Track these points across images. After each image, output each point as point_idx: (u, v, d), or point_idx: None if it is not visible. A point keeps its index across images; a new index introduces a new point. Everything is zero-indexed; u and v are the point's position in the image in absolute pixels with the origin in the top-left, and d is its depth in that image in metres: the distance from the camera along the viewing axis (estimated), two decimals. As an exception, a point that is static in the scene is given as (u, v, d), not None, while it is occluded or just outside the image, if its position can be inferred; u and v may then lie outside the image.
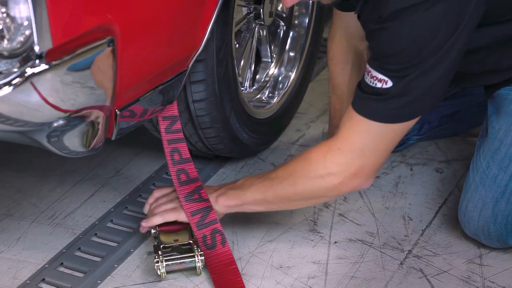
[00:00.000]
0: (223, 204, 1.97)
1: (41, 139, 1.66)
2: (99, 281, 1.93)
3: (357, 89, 1.83)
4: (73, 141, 1.69)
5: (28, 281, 1.93)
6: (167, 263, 1.90)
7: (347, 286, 1.92)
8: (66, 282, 1.93)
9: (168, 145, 2.01)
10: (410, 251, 2.03)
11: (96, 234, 2.10)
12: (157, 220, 1.97)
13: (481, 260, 1.99)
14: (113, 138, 1.82)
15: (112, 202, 2.22)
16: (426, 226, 2.12)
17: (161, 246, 1.93)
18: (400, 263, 1.99)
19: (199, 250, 1.92)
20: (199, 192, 1.99)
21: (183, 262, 1.92)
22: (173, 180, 2.00)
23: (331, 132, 2.30)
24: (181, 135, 2.03)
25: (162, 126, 2.01)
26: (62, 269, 1.98)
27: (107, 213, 2.17)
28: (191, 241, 1.95)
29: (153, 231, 1.99)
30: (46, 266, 1.97)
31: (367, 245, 2.05)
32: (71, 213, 2.18)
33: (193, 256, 1.91)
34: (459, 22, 1.73)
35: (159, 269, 1.90)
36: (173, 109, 2.01)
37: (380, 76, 1.75)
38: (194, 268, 1.92)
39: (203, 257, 1.91)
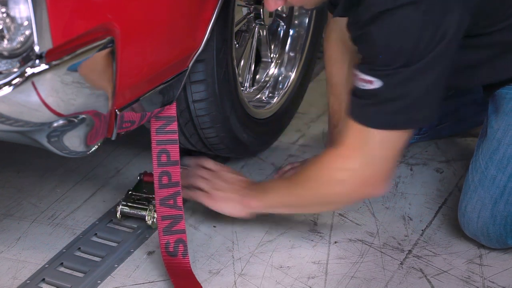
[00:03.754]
0: (247, 204, 2.00)
1: (41, 139, 1.65)
2: (99, 281, 1.93)
3: (351, 96, 1.83)
4: (73, 141, 1.69)
5: (28, 281, 1.93)
6: (122, 207, 2.09)
7: (347, 286, 1.92)
8: (66, 282, 1.93)
9: (156, 146, 2.00)
10: (410, 251, 2.03)
11: (96, 234, 2.10)
12: (184, 194, 2.02)
13: (481, 260, 1.99)
14: (113, 138, 1.82)
15: (112, 202, 2.22)
16: (426, 226, 2.12)
17: (129, 192, 2.13)
18: (400, 263, 1.99)
19: (154, 207, 2.05)
20: (175, 199, 1.99)
21: (136, 212, 2.09)
22: (154, 182, 2.00)
23: (330, 131, 2.30)
24: (175, 136, 2.01)
25: (154, 126, 2.00)
26: (62, 269, 1.98)
27: (107, 213, 2.17)
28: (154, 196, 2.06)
29: (138, 177, 2.19)
30: (46, 266, 1.97)
31: (367, 245, 2.05)
32: (71, 213, 2.18)
33: (145, 210, 2.08)
34: (445, 32, 1.71)
35: (117, 211, 2.10)
36: (170, 110, 2.01)
37: (368, 77, 1.75)
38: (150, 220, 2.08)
39: (155, 214, 2.04)
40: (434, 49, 1.71)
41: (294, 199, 1.97)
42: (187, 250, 1.96)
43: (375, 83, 1.74)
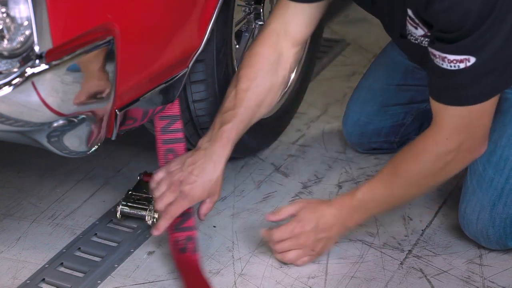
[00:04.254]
0: (354, 224, 1.97)
1: (41, 139, 1.66)
2: (99, 281, 1.93)
3: (437, 80, 1.79)
4: (73, 141, 1.69)
5: (28, 281, 1.93)
6: (122, 207, 2.08)
7: (347, 286, 1.92)
8: (66, 282, 1.93)
9: (162, 145, 2.00)
10: (410, 251, 2.03)
11: (96, 234, 2.10)
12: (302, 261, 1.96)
13: (481, 260, 1.99)
14: (113, 138, 1.83)
15: (112, 202, 2.22)
16: (426, 226, 2.12)
17: (129, 192, 2.10)
18: (400, 263, 1.99)
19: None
20: None
21: (136, 212, 2.07)
22: None
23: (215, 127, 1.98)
24: (180, 135, 2.02)
25: (159, 125, 2.00)
26: (62, 269, 1.98)
27: (107, 213, 2.17)
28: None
29: (138, 177, 2.15)
30: (46, 266, 1.97)
31: (367, 245, 2.05)
32: (71, 213, 2.18)
33: (145, 210, 2.05)
34: None
35: (117, 211, 2.08)
36: (174, 109, 2.01)
37: (461, 56, 1.70)
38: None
39: (155, 214, 2.01)
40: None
41: (397, 200, 1.95)
42: (197, 246, 1.96)
43: (471, 60, 1.70)
